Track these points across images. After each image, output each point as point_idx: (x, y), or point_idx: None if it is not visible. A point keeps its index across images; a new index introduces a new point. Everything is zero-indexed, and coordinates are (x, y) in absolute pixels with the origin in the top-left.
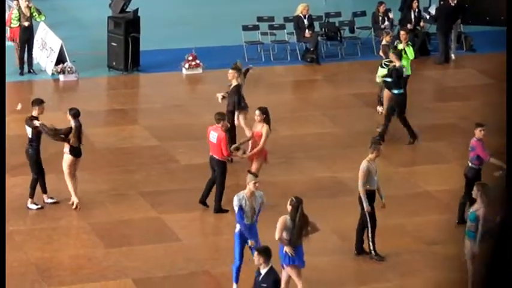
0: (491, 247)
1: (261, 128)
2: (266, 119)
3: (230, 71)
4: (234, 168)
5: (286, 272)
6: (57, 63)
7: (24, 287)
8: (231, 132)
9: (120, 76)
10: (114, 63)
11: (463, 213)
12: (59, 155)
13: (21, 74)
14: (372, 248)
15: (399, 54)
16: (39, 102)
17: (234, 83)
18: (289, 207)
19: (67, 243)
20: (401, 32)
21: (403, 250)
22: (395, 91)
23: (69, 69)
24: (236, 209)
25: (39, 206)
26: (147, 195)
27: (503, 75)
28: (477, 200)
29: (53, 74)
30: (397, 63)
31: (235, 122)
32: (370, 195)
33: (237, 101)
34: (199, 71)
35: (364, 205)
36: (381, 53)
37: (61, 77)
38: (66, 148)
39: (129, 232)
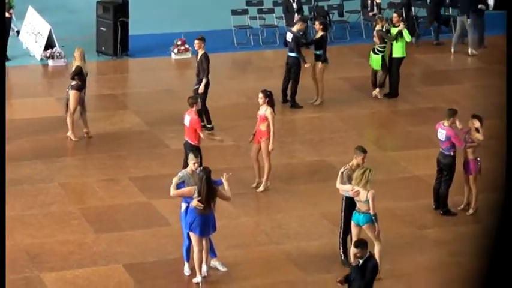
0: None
1: (265, 111)
2: (270, 102)
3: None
4: (227, 152)
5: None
6: (46, 48)
7: (15, 273)
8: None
9: (109, 61)
10: (103, 48)
11: (438, 198)
12: None
13: None
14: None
15: (395, 36)
16: None
17: (201, 52)
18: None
19: (57, 229)
20: (394, 15)
21: (393, 234)
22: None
23: (58, 55)
24: (178, 181)
25: None
26: (137, 181)
27: (492, 58)
28: None
29: (41, 59)
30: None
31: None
32: (348, 200)
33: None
34: (189, 55)
35: (346, 187)
36: (374, 39)
37: (50, 62)
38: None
39: (119, 217)
